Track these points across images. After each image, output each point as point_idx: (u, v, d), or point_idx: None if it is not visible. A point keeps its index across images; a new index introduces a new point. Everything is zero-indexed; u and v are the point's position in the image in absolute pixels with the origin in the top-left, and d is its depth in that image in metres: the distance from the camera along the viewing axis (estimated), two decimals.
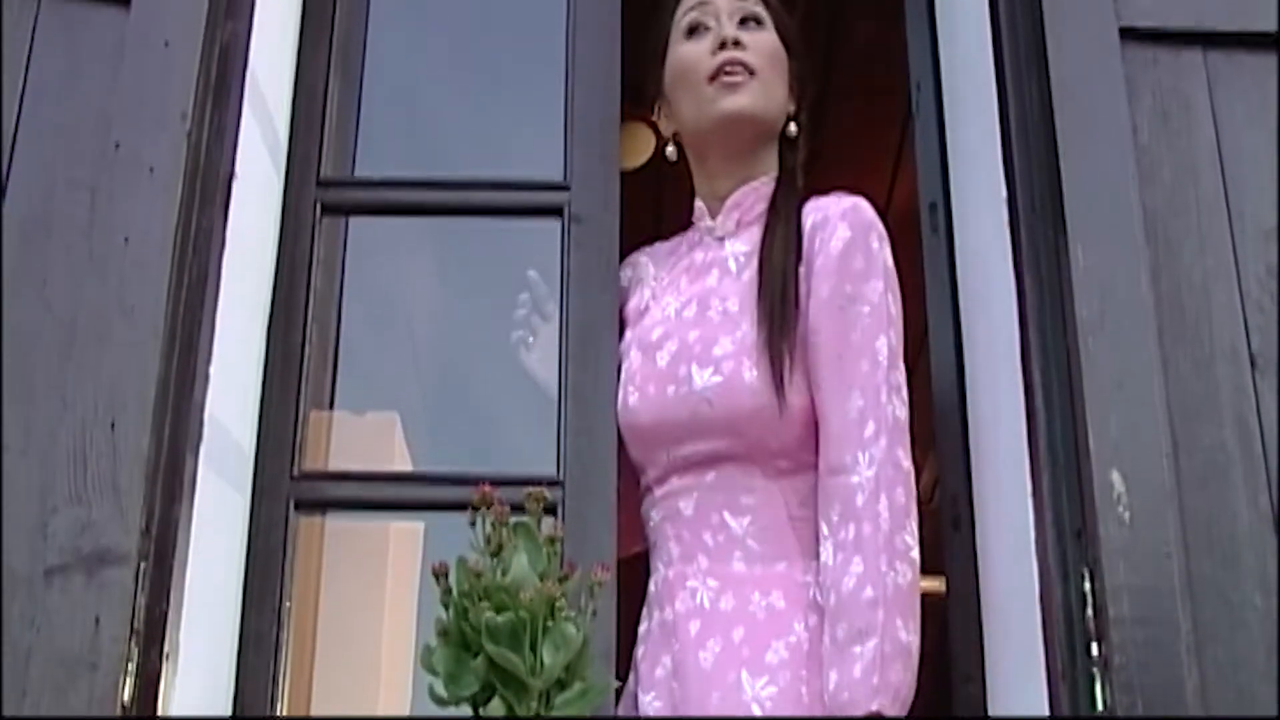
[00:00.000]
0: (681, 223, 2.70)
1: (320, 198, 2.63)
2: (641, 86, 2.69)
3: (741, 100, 2.51)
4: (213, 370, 2.17)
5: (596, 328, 2.47)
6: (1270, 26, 2.24)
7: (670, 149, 2.67)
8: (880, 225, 2.41)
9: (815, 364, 2.34)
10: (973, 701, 2.45)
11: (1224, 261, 2.14)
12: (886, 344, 2.32)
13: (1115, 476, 1.98)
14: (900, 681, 2.15)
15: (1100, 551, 1.95)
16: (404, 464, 2.95)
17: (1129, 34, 2.23)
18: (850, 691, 2.14)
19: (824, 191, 2.48)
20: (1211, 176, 2.18)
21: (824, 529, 2.27)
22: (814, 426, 2.36)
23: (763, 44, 2.56)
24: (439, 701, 1.90)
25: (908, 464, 2.26)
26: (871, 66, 3.66)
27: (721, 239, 2.55)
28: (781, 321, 2.35)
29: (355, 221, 2.77)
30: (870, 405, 2.28)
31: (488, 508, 1.90)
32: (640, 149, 4.87)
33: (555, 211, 2.59)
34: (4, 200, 2.14)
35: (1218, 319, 2.10)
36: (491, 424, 2.96)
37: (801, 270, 2.39)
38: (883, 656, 2.13)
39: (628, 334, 2.56)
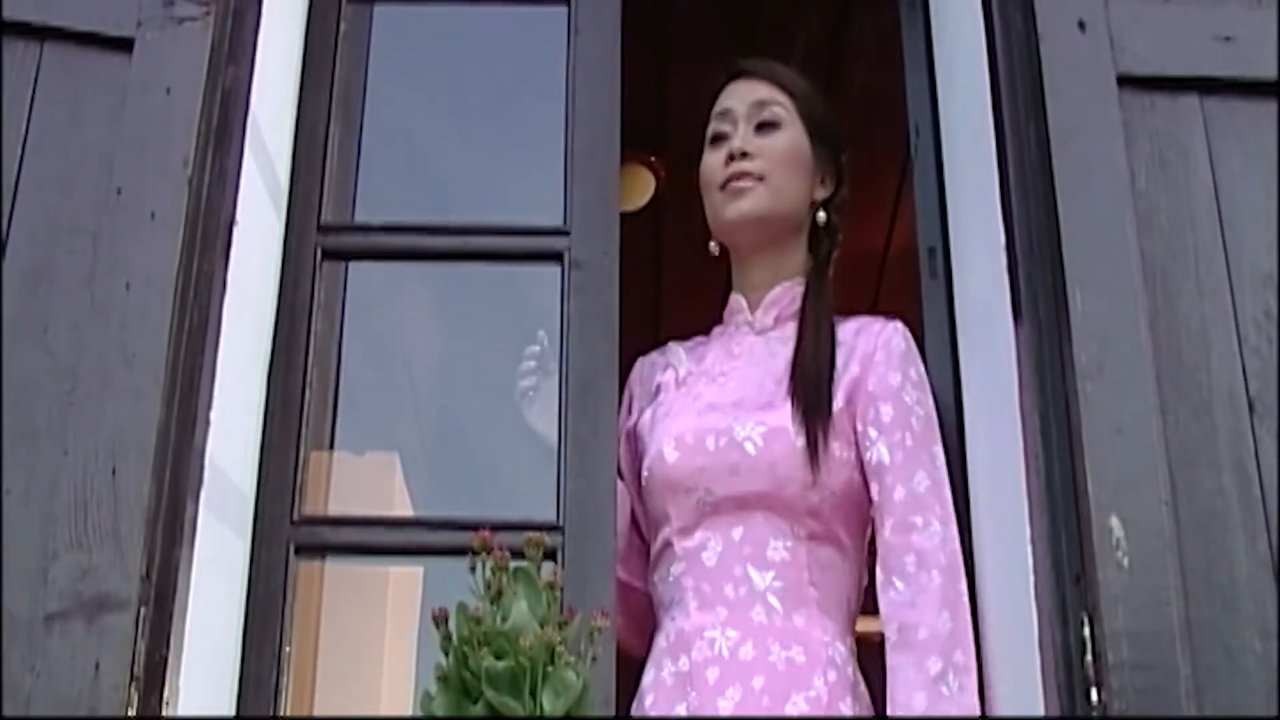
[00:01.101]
0: (681, 265, 2.71)
1: (321, 243, 2.63)
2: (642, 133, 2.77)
3: (744, 206, 2.63)
4: (213, 415, 2.18)
5: (597, 372, 2.48)
6: (1267, 74, 2.25)
7: (713, 244, 2.77)
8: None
9: (878, 440, 2.45)
10: None
11: (1222, 307, 2.14)
12: (941, 451, 2.47)
13: (1114, 522, 1.98)
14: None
15: (1099, 597, 1.94)
16: (404, 505, 2.95)
17: (1127, 81, 2.24)
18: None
19: None
20: (1209, 222, 2.19)
21: (896, 580, 2.35)
22: (847, 504, 2.48)
23: (774, 148, 2.65)
24: None
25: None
26: (870, 112, 3.66)
27: (761, 333, 2.64)
28: (815, 402, 2.42)
29: (355, 266, 2.77)
30: (937, 487, 2.42)
31: (487, 553, 1.90)
32: (640, 191, 4.86)
33: (555, 257, 2.59)
34: (5, 246, 2.14)
35: (1216, 364, 2.10)
36: (491, 468, 2.96)
37: (847, 363, 2.53)
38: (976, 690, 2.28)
39: (659, 398, 2.66)
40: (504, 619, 1.85)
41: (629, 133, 2.68)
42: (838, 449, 2.47)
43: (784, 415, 2.45)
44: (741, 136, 2.66)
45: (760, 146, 2.65)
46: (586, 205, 2.61)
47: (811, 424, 2.43)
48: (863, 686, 2.42)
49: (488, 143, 3.00)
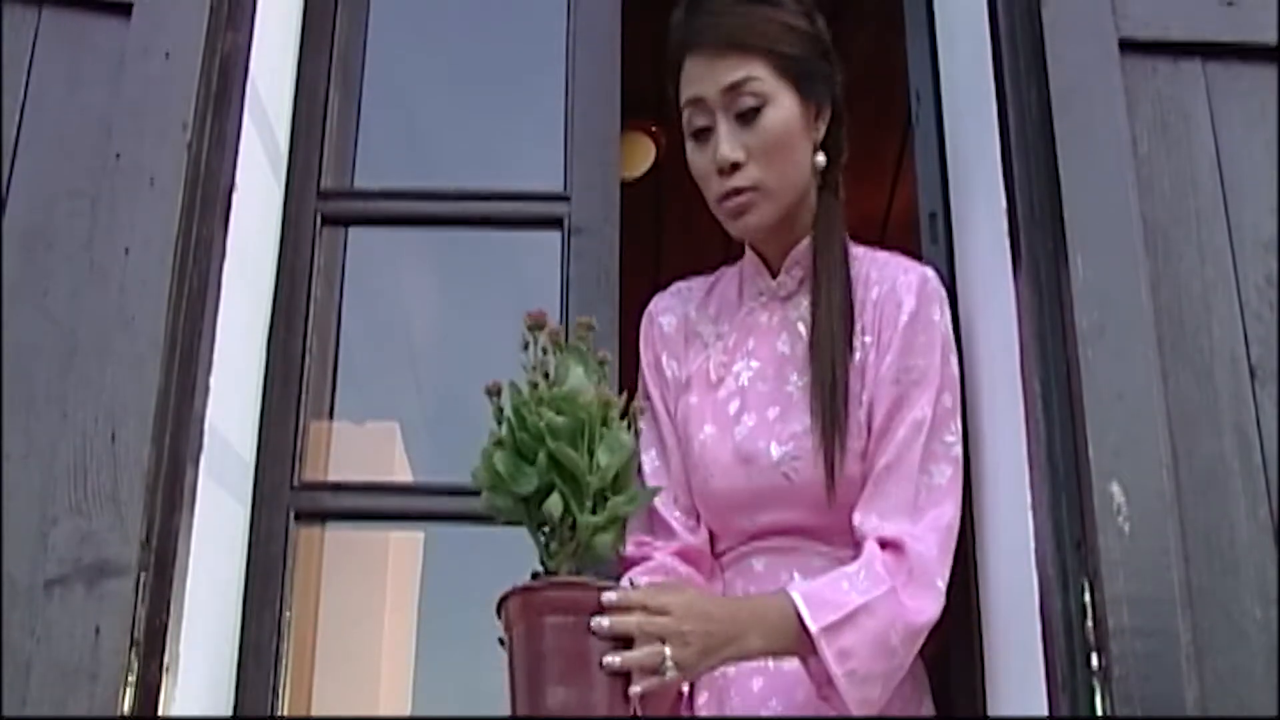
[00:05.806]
0: (680, 233, 2.70)
1: (320, 208, 2.63)
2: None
3: (750, 222, 2.40)
4: (213, 381, 2.18)
5: (597, 339, 2.47)
6: (1268, 38, 2.24)
7: None
8: (943, 292, 2.40)
9: (871, 430, 2.33)
10: (973, 713, 2.45)
11: (1223, 271, 2.14)
12: (932, 411, 2.31)
13: (1115, 487, 1.98)
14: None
15: (1100, 562, 1.94)
16: (404, 473, 2.96)
17: (1128, 45, 2.23)
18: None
19: None
20: (1210, 186, 2.18)
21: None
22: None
23: (762, 139, 2.36)
24: (494, 510, 1.96)
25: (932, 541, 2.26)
26: (871, 76, 3.65)
27: (786, 298, 2.49)
28: (832, 417, 2.32)
29: (355, 232, 2.77)
30: (909, 473, 2.29)
31: (541, 330, 1.94)
32: (640, 158, 4.86)
33: (555, 223, 2.59)
34: (5, 211, 2.14)
35: (1217, 329, 2.10)
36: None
37: (864, 339, 2.38)
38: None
39: (693, 399, 2.48)
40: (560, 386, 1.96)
41: (629, 100, 2.67)
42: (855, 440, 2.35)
43: (815, 432, 2.33)
44: (726, 139, 2.35)
45: (748, 145, 2.36)
46: (587, 171, 2.61)
47: (829, 450, 2.34)
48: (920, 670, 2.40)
49: (488, 108, 2.99)
